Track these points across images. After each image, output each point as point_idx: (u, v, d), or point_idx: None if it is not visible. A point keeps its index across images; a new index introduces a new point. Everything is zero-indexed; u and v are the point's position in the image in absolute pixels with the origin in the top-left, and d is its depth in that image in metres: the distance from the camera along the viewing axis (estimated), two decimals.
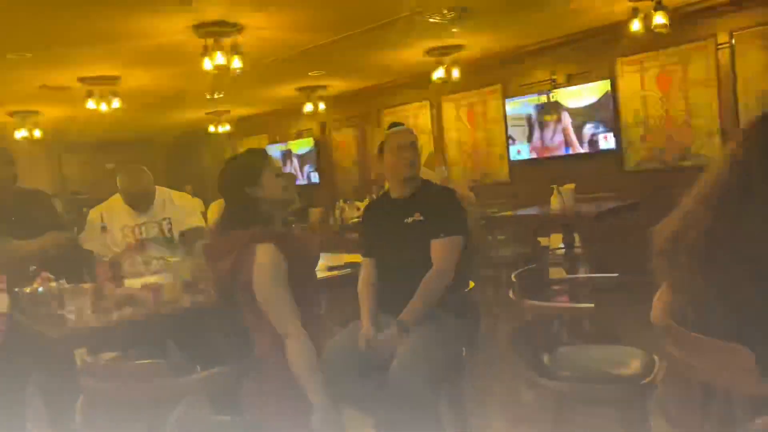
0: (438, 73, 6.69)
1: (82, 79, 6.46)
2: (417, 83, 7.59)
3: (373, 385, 2.38)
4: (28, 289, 2.53)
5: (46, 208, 3.12)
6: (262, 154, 2.16)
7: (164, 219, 3.20)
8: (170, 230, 3.19)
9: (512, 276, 2.31)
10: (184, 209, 3.27)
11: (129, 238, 3.14)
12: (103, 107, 6.65)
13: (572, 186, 4.73)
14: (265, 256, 1.94)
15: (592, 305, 2.07)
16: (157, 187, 3.29)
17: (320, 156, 9.66)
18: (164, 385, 1.77)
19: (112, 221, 3.19)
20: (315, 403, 1.86)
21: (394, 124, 2.66)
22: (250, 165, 2.10)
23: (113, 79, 6.52)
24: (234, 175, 2.10)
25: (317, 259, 2.32)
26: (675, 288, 1.47)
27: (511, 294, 2.26)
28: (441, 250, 2.41)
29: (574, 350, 2.36)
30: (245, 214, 2.05)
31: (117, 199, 3.26)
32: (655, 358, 2.19)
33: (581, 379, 2.19)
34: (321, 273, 3.29)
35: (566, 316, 2.29)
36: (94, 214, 3.21)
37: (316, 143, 9.70)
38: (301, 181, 9.63)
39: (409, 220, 2.50)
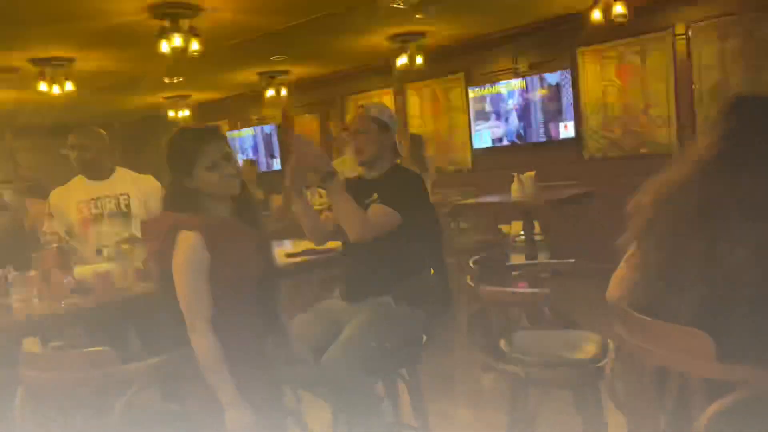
0: (401, 60, 6.66)
1: (33, 61, 6.23)
2: (380, 70, 7.55)
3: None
4: None
5: None
6: (196, 138, 1.91)
7: (122, 194, 3.08)
8: (128, 206, 3.08)
9: (470, 262, 2.31)
10: (147, 192, 3.13)
11: (84, 213, 3.03)
12: (56, 90, 6.42)
13: (532, 174, 4.77)
14: (184, 244, 1.80)
15: (548, 290, 2.09)
16: (118, 167, 3.19)
17: (281, 142, 9.55)
18: (110, 373, 1.72)
19: (68, 200, 3.08)
20: (224, 403, 1.74)
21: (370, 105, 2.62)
22: (182, 152, 1.89)
23: (66, 61, 6.30)
24: (169, 161, 1.91)
25: (260, 252, 2.04)
26: (638, 263, 1.47)
27: (468, 280, 2.26)
28: (373, 212, 2.36)
29: (530, 335, 2.38)
30: (181, 203, 1.90)
31: (78, 178, 3.15)
32: (610, 342, 2.22)
33: (537, 363, 2.21)
34: (279, 260, 3.25)
35: (523, 301, 2.30)
36: (51, 198, 3.12)
37: (278, 129, 9.58)
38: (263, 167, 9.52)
39: (368, 201, 2.46)
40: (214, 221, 1.88)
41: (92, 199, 3.05)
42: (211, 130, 1.97)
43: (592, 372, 2.14)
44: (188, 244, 1.80)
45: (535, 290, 2.20)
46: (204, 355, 1.78)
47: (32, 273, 2.40)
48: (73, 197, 3.06)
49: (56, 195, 3.13)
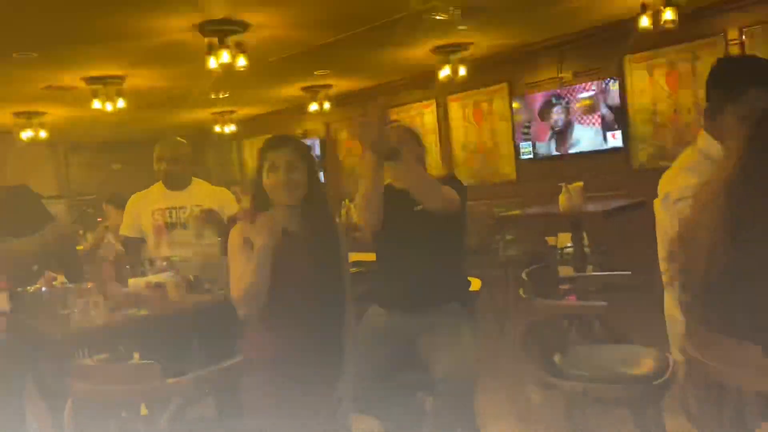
0: (444, 72, 6.64)
1: (87, 79, 6.44)
2: (423, 82, 7.55)
3: (385, 388, 2.35)
4: (31, 289, 2.51)
5: (32, 203, 3.07)
6: (269, 143, 2.04)
7: (197, 206, 3.07)
8: (195, 218, 3.09)
9: (523, 274, 2.26)
10: (221, 204, 3.13)
11: (157, 220, 3.07)
12: (108, 107, 6.63)
13: (581, 184, 4.67)
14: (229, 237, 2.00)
15: (605, 304, 2.03)
16: (194, 179, 3.23)
17: (325, 155, 9.63)
18: (156, 387, 1.73)
19: (145, 206, 3.14)
20: None
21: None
22: (258, 153, 2.04)
23: (118, 79, 6.50)
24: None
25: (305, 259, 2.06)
26: (685, 285, 1.45)
27: (521, 292, 2.21)
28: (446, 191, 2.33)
29: (586, 349, 2.31)
30: (257, 201, 2.03)
31: (158, 185, 3.21)
32: (669, 357, 2.14)
33: (593, 378, 2.15)
34: None
35: (578, 315, 2.24)
36: (130, 202, 3.21)
37: (321, 143, 9.67)
38: None
39: (418, 208, 2.43)
40: (250, 209, 2.01)
41: (167, 208, 3.08)
42: (285, 138, 2.08)
43: (653, 388, 2.06)
44: (231, 234, 1.99)
45: (593, 303, 2.14)
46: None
47: (89, 285, 2.46)
48: (150, 204, 3.12)
49: (134, 199, 3.21)
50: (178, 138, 3.23)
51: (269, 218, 1.92)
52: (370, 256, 3.43)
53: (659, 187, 1.88)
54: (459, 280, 2.51)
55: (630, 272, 2.44)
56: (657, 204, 1.84)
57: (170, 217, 3.06)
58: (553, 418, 2.59)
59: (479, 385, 2.50)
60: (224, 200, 3.20)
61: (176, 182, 3.13)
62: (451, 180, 2.51)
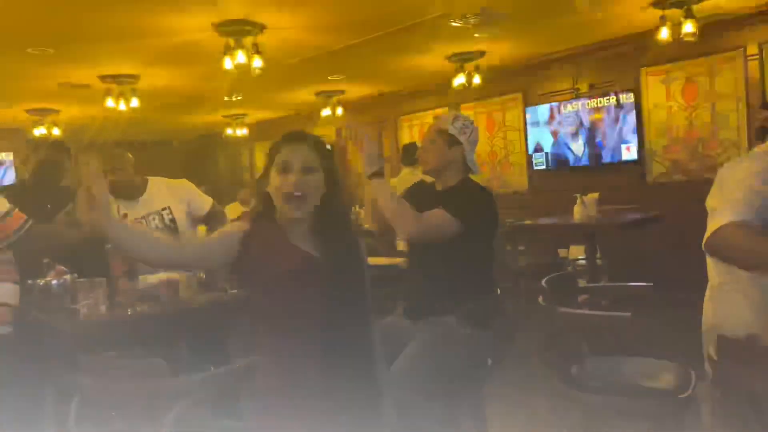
0: (459, 80, 6.61)
1: (102, 77, 6.44)
2: (437, 90, 7.52)
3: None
4: (41, 282, 2.48)
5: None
6: (285, 138, 1.75)
7: (164, 209, 3.02)
8: (173, 220, 3.03)
9: (543, 282, 2.21)
10: (185, 198, 3.08)
11: None
12: (122, 106, 6.61)
13: (596, 195, 4.63)
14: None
15: (629, 314, 1.97)
16: (150, 178, 3.15)
17: (335, 161, 9.59)
18: (162, 385, 1.69)
19: None
20: None
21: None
22: (269, 150, 1.75)
23: (133, 78, 6.50)
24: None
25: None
26: None
27: (540, 300, 2.16)
28: (431, 214, 2.27)
29: (604, 361, 2.25)
30: (261, 210, 1.75)
31: (112, 201, 3.12)
32: (692, 372, 2.09)
33: (612, 391, 2.10)
34: None
35: (596, 324, 2.19)
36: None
37: (332, 148, 9.64)
38: None
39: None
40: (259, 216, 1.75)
41: (137, 219, 2.98)
42: (302, 134, 1.79)
43: (676, 402, 2.00)
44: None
45: (616, 313, 2.09)
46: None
47: (99, 280, 2.42)
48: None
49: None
50: (122, 150, 3.14)
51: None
52: (379, 260, 3.38)
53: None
54: (468, 290, 2.36)
55: (651, 283, 2.39)
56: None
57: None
58: (570, 431, 2.53)
59: (490, 395, 2.44)
60: (187, 192, 3.14)
61: (130, 192, 3.05)
62: (464, 189, 2.43)
